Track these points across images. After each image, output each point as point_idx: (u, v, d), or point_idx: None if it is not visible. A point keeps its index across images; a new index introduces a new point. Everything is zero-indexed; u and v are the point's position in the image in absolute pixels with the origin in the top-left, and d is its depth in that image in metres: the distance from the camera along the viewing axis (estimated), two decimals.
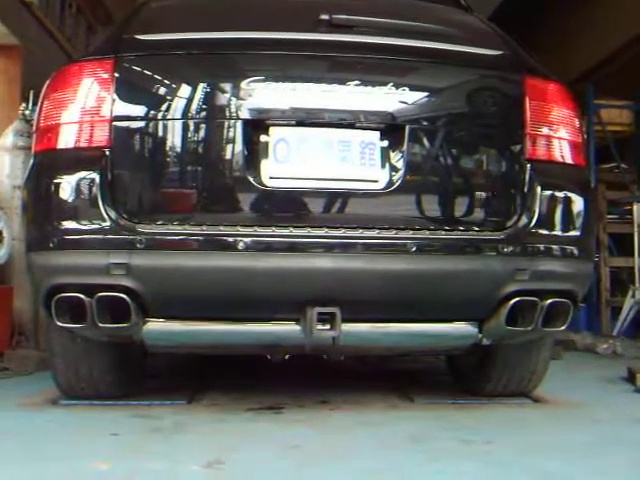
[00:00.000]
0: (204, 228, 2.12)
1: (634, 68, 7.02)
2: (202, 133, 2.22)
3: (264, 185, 2.17)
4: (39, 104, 2.29)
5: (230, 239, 2.09)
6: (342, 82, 2.25)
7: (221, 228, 2.12)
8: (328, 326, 2.14)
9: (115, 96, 2.18)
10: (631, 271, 6.37)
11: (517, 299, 2.20)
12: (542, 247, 2.24)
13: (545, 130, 2.32)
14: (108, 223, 2.11)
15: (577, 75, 8.11)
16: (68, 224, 2.14)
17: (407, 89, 2.27)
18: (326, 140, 2.23)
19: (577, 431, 2.26)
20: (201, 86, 2.22)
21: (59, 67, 2.32)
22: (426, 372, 3.57)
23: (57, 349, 2.45)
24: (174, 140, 2.20)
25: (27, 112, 4.43)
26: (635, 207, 6.38)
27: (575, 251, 2.28)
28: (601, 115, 6.72)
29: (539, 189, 2.26)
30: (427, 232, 2.19)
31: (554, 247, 2.26)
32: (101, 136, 2.17)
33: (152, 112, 2.21)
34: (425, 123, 2.28)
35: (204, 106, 2.21)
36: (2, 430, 2.15)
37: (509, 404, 2.66)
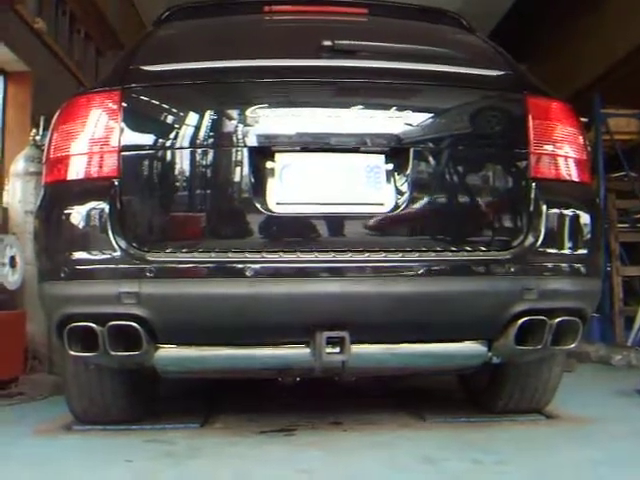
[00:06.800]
0: (212, 255, 2.14)
1: None
2: (209, 161, 2.24)
3: (271, 211, 2.19)
4: (49, 136, 2.33)
5: (238, 266, 2.11)
6: (346, 107, 2.28)
7: (229, 255, 2.14)
8: (337, 349, 2.15)
9: (123, 126, 2.21)
10: None
11: (525, 318, 2.19)
12: (549, 266, 2.24)
13: (549, 148, 2.33)
14: (118, 252, 2.14)
15: (584, 84, 8.12)
16: (79, 254, 2.17)
17: (410, 112, 2.29)
18: (331, 165, 2.26)
19: (592, 448, 2.24)
20: (207, 115, 2.25)
21: (68, 97, 2.36)
22: (437, 389, 3.56)
23: (70, 376, 2.48)
24: (182, 169, 2.23)
25: (38, 138, 4.49)
26: None
27: (582, 269, 2.28)
28: (609, 124, 6.70)
29: (545, 207, 2.26)
30: (434, 254, 2.20)
31: (561, 265, 2.26)
32: (110, 166, 2.20)
33: (160, 142, 2.24)
34: (429, 145, 2.30)
35: (210, 134, 2.24)
36: (20, 458, 2.17)
37: (522, 421, 2.65)
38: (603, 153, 6.62)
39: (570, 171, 2.36)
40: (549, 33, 9.17)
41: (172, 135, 2.24)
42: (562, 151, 2.35)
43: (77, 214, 2.19)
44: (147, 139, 2.25)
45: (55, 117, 2.32)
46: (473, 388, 2.94)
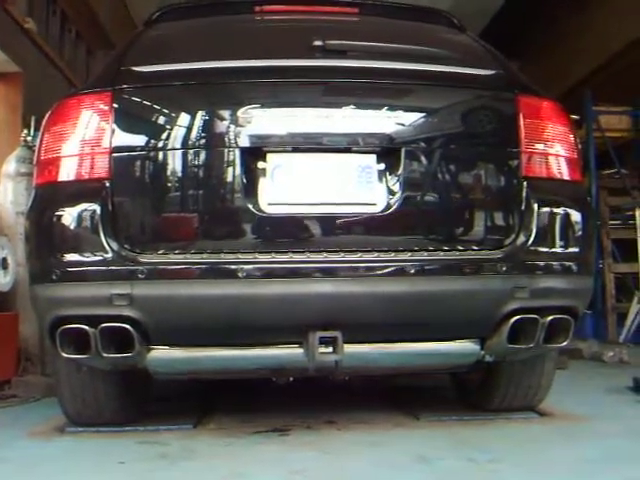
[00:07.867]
0: (204, 256, 2.14)
1: (632, 74, 7.04)
2: (200, 162, 2.24)
3: (263, 212, 2.19)
4: (39, 138, 2.32)
5: (231, 267, 2.10)
6: (337, 107, 2.29)
7: (221, 256, 2.14)
8: (330, 349, 2.15)
9: (114, 128, 2.21)
10: (636, 277, 6.36)
11: (518, 317, 2.20)
12: (541, 264, 2.24)
13: (540, 147, 2.33)
14: (110, 254, 2.13)
15: (576, 81, 8.15)
16: (70, 256, 2.16)
17: (402, 112, 2.30)
18: (323, 165, 2.26)
19: (585, 446, 2.25)
20: (198, 115, 2.25)
21: (59, 98, 2.35)
22: (431, 388, 3.57)
23: (63, 378, 2.47)
24: (173, 170, 2.23)
25: (29, 138, 4.46)
26: (637, 213, 6.38)
27: (574, 267, 2.28)
28: (600, 121, 6.73)
29: (536, 206, 2.27)
30: (426, 253, 2.20)
31: (553, 264, 2.26)
32: (101, 168, 2.20)
33: (151, 143, 2.23)
34: (421, 145, 2.30)
35: (202, 135, 2.23)
36: (14, 461, 2.16)
37: (515, 419, 2.66)
38: (594, 150, 6.66)
39: (561, 170, 2.37)
40: (542, 31, 9.19)
41: (163, 136, 2.23)
42: (553, 150, 2.35)
43: (68, 216, 2.18)
44: (138, 140, 2.24)
45: (46, 118, 2.31)
46: (466, 387, 2.95)
